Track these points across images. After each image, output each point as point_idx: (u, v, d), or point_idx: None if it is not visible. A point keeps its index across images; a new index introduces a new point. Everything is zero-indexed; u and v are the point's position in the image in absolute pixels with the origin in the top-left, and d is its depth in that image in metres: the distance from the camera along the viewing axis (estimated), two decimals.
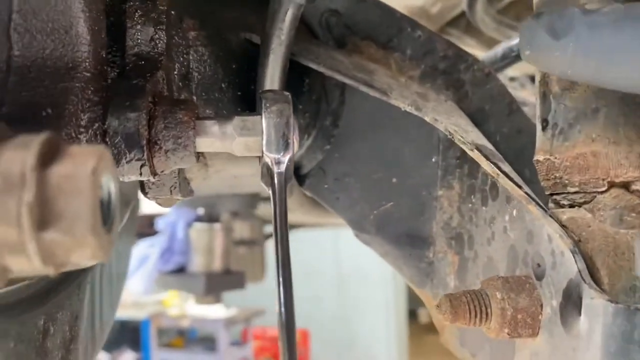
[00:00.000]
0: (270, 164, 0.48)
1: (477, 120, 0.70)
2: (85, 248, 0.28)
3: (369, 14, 0.72)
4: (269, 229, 2.60)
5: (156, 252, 2.28)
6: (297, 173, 0.78)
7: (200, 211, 2.36)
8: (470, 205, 0.68)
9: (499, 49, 0.86)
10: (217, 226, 2.33)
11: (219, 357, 5.00)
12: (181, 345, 5.56)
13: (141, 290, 2.44)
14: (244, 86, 0.65)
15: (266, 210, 2.28)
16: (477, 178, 0.66)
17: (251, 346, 5.33)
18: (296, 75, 0.69)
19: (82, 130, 0.44)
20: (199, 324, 5.31)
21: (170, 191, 0.59)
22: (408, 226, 0.75)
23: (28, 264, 0.28)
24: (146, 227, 2.44)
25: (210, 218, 2.33)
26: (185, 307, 5.34)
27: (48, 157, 0.28)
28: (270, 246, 2.73)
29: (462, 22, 1.67)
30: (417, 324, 6.90)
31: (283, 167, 0.48)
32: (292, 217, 0.69)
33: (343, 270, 5.78)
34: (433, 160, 0.73)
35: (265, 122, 0.48)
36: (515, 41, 0.84)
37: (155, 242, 2.39)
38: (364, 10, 0.72)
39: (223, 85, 0.63)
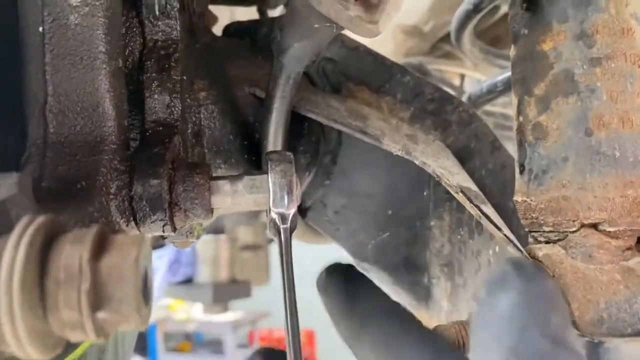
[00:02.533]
0: (276, 219, 0.55)
1: (464, 156, 0.76)
2: (130, 322, 0.35)
3: (362, 62, 0.78)
4: None
5: (164, 264, 2.35)
6: (300, 206, 0.85)
7: None
8: (459, 236, 0.74)
9: (484, 84, 0.92)
10: (223, 237, 2.40)
11: None
12: (188, 349, 5.64)
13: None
14: (249, 135, 0.72)
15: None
16: (465, 212, 0.73)
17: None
18: (297, 120, 0.76)
19: (111, 197, 0.51)
20: (205, 328, 5.38)
21: (186, 236, 0.65)
22: (404, 254, 0.81)
23: (84, 337, 0.34)
24: (154, 240, 2.51)
25: (216, 230, 2.39)
26: (191, 312, 5.41)
27: (99, 249, 0.35)
28: (274, 249, 2.80)
29: None
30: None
31: (288, 222, 0.55)
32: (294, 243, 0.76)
33: None
34: (425, 193, 0.79)
35: (271, 181, 0.54)
36: (500, 77, 0.91)
37: (164, 254, 2.46)
38: (358, 58, 0.78)
39: (231, 137, 0.69)
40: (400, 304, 0.52)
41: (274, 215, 0.54)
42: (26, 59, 0.52)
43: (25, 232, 0.34)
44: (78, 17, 0.51)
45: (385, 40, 1.72)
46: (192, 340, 5.89)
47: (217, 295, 2.35)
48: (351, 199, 0.82)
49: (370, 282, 0.54)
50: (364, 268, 0.84)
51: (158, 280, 2.42)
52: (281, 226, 0.54)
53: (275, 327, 5.40)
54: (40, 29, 0.51)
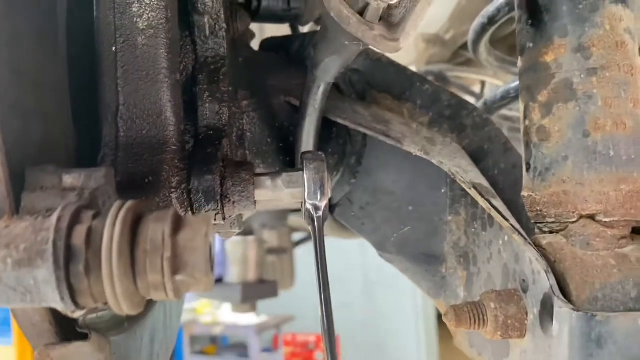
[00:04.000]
0: (310, 209, 0.63)
1: (478, 157, 0.84)
2: (200, 284, 0.44)
3: (385, 72, 0.86)
4: (297, 236, 2.76)
5: None
6: (329, 203, 0.93)
7: None
8: (473, 229, 0.82)
9: (498, 91, 1.00)
10: (251, 238, 2.49)
11: None
12: (213, 352, 5.73)
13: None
14: (284, 139, 0.81)
15: (295, 220, 2.44)
16: (478, 207, 0.80)
17: (282, 352, 5.47)
18: (325, 125, 0.84)
19: (173, 190, 0.60)
20: (230, 331, 5.47)
21: (230, 226, 0.74)
22: (424, 246, 0.89)
23: (164, 296, 0.43)
24: None
25: (245, 231, 2.49)
26: (217, 315, 5.50)
27: (176, 226, 0.44)
28: (299, 254, 2.88)
29: None
30: (447, 328, 6.94)
31: (320, 212, 0.63)
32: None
33: (370, 277, 5.90)
34: (442, 191, 0.87)
35: (306, 176, 0.63)
36: (512, 84, 0.98)
37: None
38: (381, 69, 0.87)
39: (269, 140, 0.78)
40: None
41: (308, 206, 0.63)
42: (101, 73, 0.61)
43: (119, 213, 0.43)
44: (145, 39, 0.61)
45: (408, 49, 1.80)
46: (217, 343, 5.97)
47: (246, 295, 2.44)
48: (375, 196, 0.90)
49: None
50: (387, 259, 0.92)
51: None
52: (315, 215, 0.62)
53: (299, 331, 5.47)
54: (114, 48, 0.61)
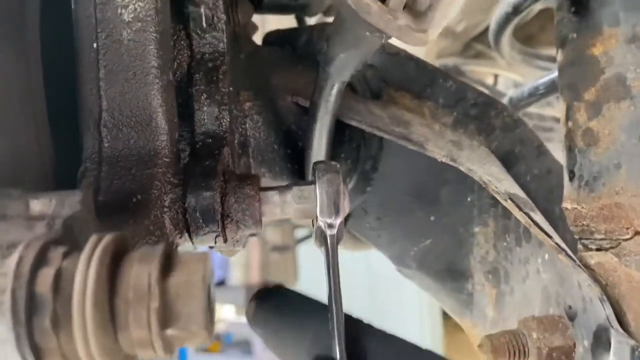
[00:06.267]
0: (323, 227, 0.54)
1: (509, 162, 0.75)
2: (197, 338, 0.35)
3: (403, 68, 0.77)
4: (300, 233, 2.68)
5: None
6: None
7: None
8: (505, 243, 0.73)
9: (525, 88, 0.91)
10: (254, 240, 2.41)
11: None
12: (218, 349, 5.68)
13: None
14: (293, 144, 0.72)
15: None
16: (511, 219, 0.72)
17: None
18: (338, 127, 0.76)
19: (166, 210, 0.51)
20: (234, 329, 5.41)
21: (233, 245, 0.66)
22: (447, 261, 0.80)
23: (153, 354, 0.35)
24: None
25: None
26: (221, 312, 5.44)
27: (166, 267, 0.35)
28: (301, 250, 2.80)
29: (487, 37, 1.72)
30: (453, 321, 6.90)
31: (334, 230, 0.55)
32: None
33: (373, 269, 5.83)
34: (469, 199, 0.79)
35: (318, 190, 0.54)
36: (542, 80, 0.89)
37: None
38: (399, 64, 0.78)
39: (275, 146, 0.70)
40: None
41: (321, 224, 0.54)
42: (81, 74, 0.53)
43: (94, 251, 0.35)
44: (131, 33, 0.52)
45: None
46: (221, 340, 5.93)
47: (250, 298, 2.36)
48: (393, 205, 0.82)
49: (299, 297, 0.56)
50: (406, 275, 0.83)
51: None
52: (328, 234, 0.54)
53: None
54: (95, 45, 0.52)
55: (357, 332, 0.56)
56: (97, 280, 0.33)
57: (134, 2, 0.52)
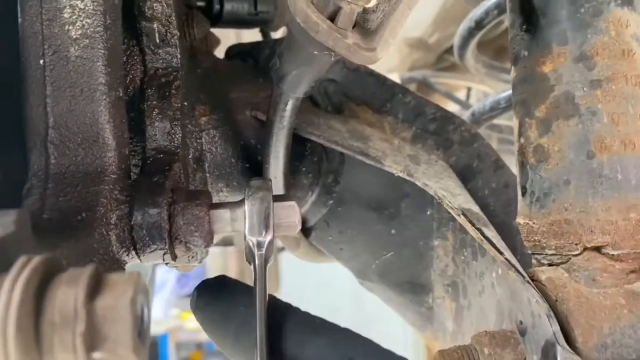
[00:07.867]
0: (252, 245, 0.53)
1: (466, 176, 0.76)
2: None
3: (363, 83, 0.78)
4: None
5: (173, 277, 2.35)
6: (304, 226, 0.84)
7: None
8: (463, 257, 0.74)
9: (487, 102, 0.91)
10: (231, 249, 2.40)
11: None
12: (200, 358, 5.64)
13: (161, 314, 2.51)
14: (251, 158, 0.72)
15: None
16: (468, 233, 0.72)
17: None
18: (299, 140, 0.76)
19: (112, 227, 0.51)
20: None
21: (188, 260, 0.65)
22: (408, 274, 0.81)
23: None
24: None
25: (224, 242, 2.40)
26: None
27: (94, 289, 0.35)
28: (282, 258, 2.79)
29: None
30: None
31: (263, 249, 0.53)
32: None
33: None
34: (428, 212, 0.79)
35: (247, 208, 0.53)
36: (503, 94, 0.90)
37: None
38: (359, 79, 0.78)
39: (233, 160, 0.70)
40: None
41: (249, 242, 0.53)
42: (27, 91, 0.52)
43: (21, 274, 0.34)
44: (78, 50, 0.52)
45: (390, 54, 1.72)
46: (203, 349, 5.89)
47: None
48: (355, 219, 0.82)
49: (242, 287, 0.57)
50: (369, 288, 0.83)
51: (167, 294, 2.42)
52: (256, 252, 0.53)
53: None
54: (41, 61, 0.52)
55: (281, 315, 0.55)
56: (21, 303, 0.33)
57: (81, 18, 0.52)
